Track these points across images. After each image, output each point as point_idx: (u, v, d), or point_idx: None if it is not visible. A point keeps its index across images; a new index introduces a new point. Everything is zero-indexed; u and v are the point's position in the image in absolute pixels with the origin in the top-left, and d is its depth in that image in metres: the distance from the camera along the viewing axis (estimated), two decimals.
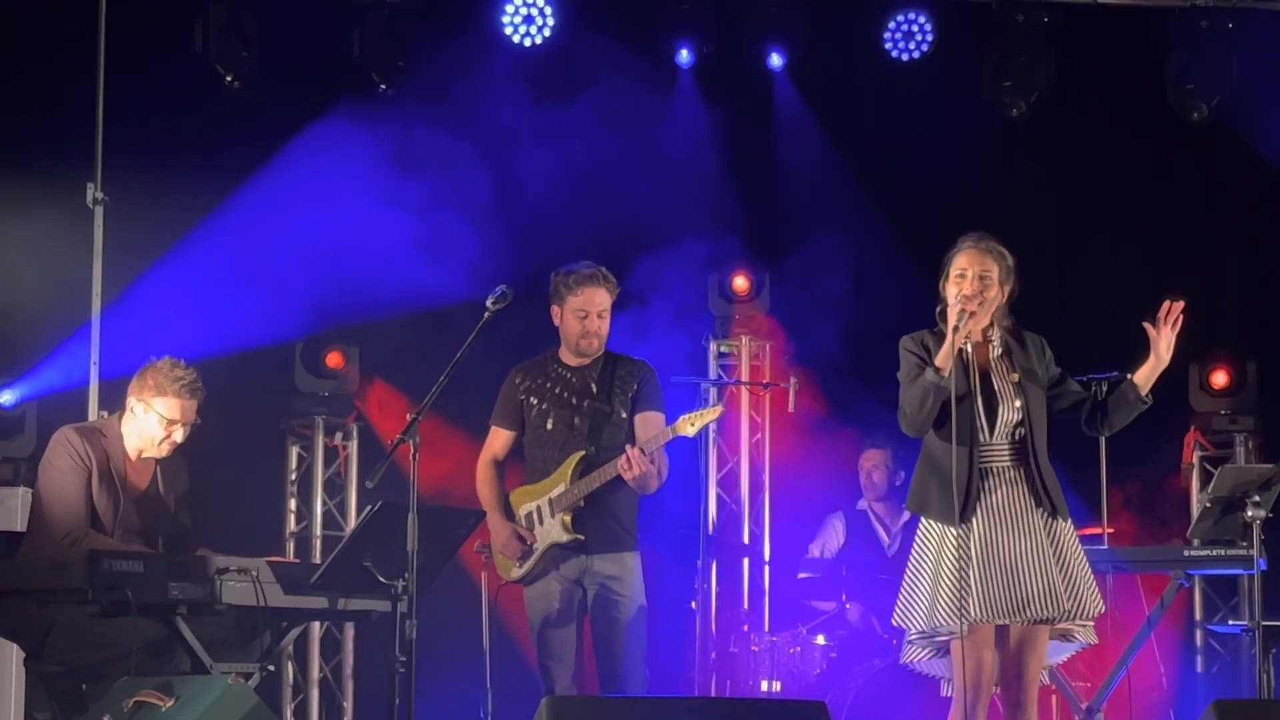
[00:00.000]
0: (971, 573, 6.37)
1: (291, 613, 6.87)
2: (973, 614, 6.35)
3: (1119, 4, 10.50)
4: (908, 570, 6.59)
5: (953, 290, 6.50)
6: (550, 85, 10.20)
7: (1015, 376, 6.51)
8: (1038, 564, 6.41)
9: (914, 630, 6.55)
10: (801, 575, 9.57)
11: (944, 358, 6.39)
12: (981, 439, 6.46)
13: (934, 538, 6.51)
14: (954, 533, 6.41)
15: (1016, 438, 6.49)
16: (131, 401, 6.93)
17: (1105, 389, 8.20)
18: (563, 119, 10.03)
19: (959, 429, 6.42)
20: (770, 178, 10.66)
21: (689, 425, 7.06)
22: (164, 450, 6.96)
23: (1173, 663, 9.73)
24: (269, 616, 6.76)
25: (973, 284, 6.48)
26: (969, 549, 6.40)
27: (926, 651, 6.61)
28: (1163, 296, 10.59)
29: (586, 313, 7.22)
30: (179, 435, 6.94)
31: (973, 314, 6.43)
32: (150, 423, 6.90)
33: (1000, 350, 6.56)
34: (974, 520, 6.43)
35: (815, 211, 10.47)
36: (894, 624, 6.69)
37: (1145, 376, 6.58)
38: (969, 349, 6.51)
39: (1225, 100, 10.54)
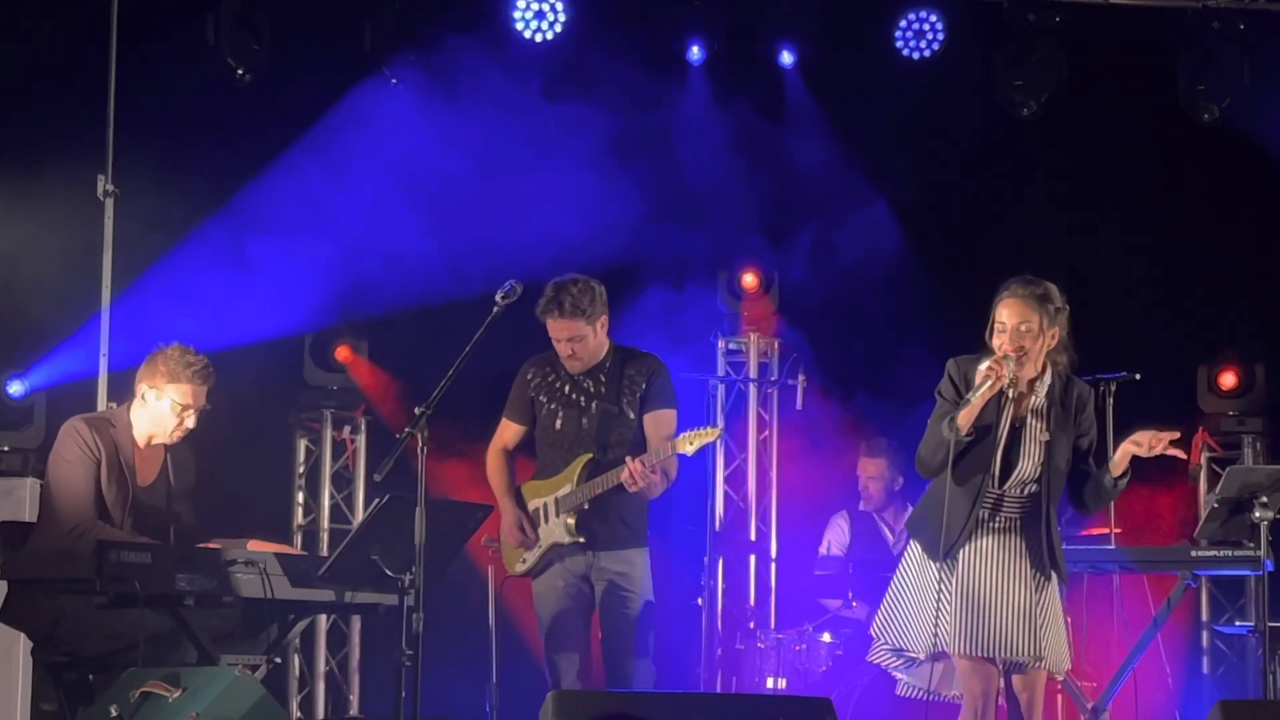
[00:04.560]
0: (949, 607, 6.37)
1: (299, 605, 6.88)
2: (944, 646, 6.37)
3: (1130, 4, 10.49)
4: (891, 585, 6.63)
5: (996, 342, 6.39)
6: (561, 81, 10.20)
7: (1045, 437, 6.42)
8: (1017, 608, 6.38)
9: (885, 642, 6.61)
10: (817, 573, 9.56)
11: (965, 418, 6.30)
12: (990, 485, 6.41)
13: (917, 561, 6.54)
14: (938, 564, 6.42)
15: (1026, 493, 6.45)
16: (143, 389, 6.93)
17: (1114, 388, 8.22)
18: (573, 115, 10.02)
19: (971, 471, 6.37)
20: (780, 175, 10.64)
21: (688, 444, 7.03)
22: (175, 437, 6.97)
23: (1179, 663, 9.72)
24: (276, 609, 6.76)
25: (1010, 339, 6.37)
26: (951, 583, 6.39)
27: (894, 660, 6.65)
28: (1173, 297, 10.67)
29: (558, 339, 7.23)
30: (191, 421, 6.95)
31: (1000, 378, 6.30)
32: (163, 409, 6.91)
33: (1042, 402, 6.44)
34: (960, 556, 6.41)
35: (825, 209, 10.47)
36: (870, 633, 6.72)
37: (1119, 461, 6.47)
38: (1009, 393, 6.40)
39: (1236, 101, 10.53)
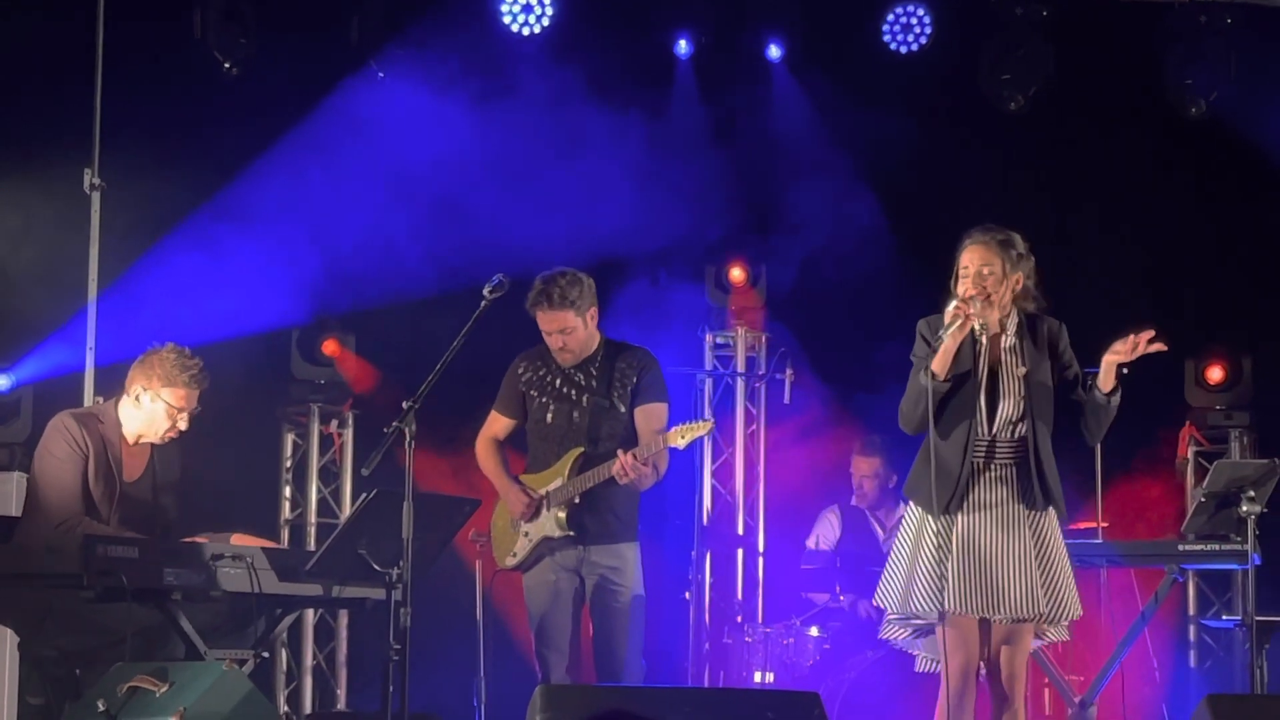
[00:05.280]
0: (950, 565, 6.38)
1: (286, 600, 6.87)
2: (947, 605, 6.37)
3: None
4: (891, 551, 6.63)
5: (960, 288, 6.46)
6: (548, 75, 10.19)
7: (1022, 371, 6.46)
8: (1019, 564, 6.38)
9: (891, 611, 6.60)
10: (804, 566, 9.56)
11: (940, 362, 6.35)
12: (980, 432, 6.43)
13: (915, 523, 6.53)
14: (936, 523, 6.42)
15: (1016, 434, 6.46)
16: (137, 389, 6.91)
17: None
18: (560, 109, 10.02)
19: (956, 420, 6.39)
20: (767, 169, 10.65)
21: (679, 438, 7.04)
22: (166, 439, 6.97)
23: (1166, 657, 9.73)
24: (264, 603, 6.75)
25: (974, 282, 6.44)
26: (949, 541, 6.40)
27: (904, 631, 6.65)
28: (1159, 291, 10.67)
29: (549, 332, 7.24)
30: (183, 424, 6.95)
31: (968, 316, 6.37)
32: (156, 411, 6.91)
33: (1013, 340, 6.50)
34: (959, 514, 6.42)
35: (812, 203, 10.46)
36: (874, 604, 6.73)
37: (1105, 376, 6.46)
38: (983, 339, 6.46)
39: (1223, 95, 10.55)
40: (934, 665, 6.78)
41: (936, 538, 6.42)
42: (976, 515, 6.42)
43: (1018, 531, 6.42)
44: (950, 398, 6.41)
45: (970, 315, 6.36)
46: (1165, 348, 6.46)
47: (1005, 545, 6.40)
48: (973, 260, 6.48)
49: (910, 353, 6.57)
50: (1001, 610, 6.38)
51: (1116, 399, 6.49)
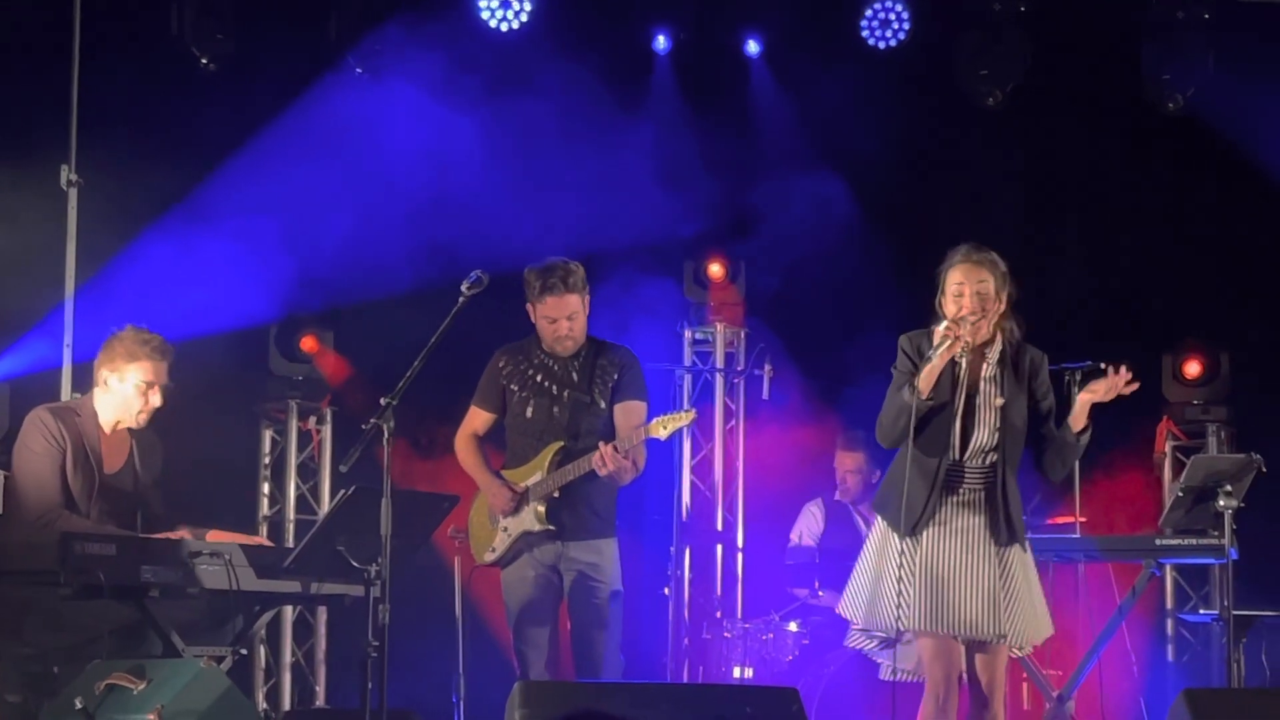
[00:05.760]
0: (912, 585, 6.37)
1: (264, 596, 6.86)
2: (906, 624, 6.37)
3: None
4: (857, 563, 6.63)
5: (951, 308, 6.40)
6: (526, 71, 10.18)
7: (1000, 401, 6.43)
8: (979, 586, 6.37)
9: (856, 621, 6.62)
10: (789, 562, 9.57)
11: (926, 380, 6.31)
12: (952, 457, 6.42)
13: (880, 537, 6.53)
14: (901, 541, 6.43)
15: (987, 463, 6.44)
16: (104, 374, 6.92)
17: (1078, 378, 8.23)
18: (538, 105, 10.01)
19: (929, 443, 6.37)
20: (746, 164, 10.65)
21: (661, 428, 7.04)
22: (142, 419, 6.96)
23: (1144, 651, 9.76)
24: (241, 600, 6.75)
25: (973, 301, 6.39)
26: (914, 560, 6.40)
27: (870, 642, 6.68)
28: (1136, 285, 10.69)
29: (555, 319, 7.23)
30: (156, 398, 6.93)
31: (958, 338, 6.32)
32: (127, 391, 6.91)
33: (994, 369, 6.46)
34: (924, 534, 6.41)
35: (791, 199, 10.47)
36: (837, 612, 6.74)
37: (1079, 414, 6.47)
38: (963, 363, 6.42)
39: (1201, 91, 10.56)
40: (899, 675, 6.81)
41: (900, 556, 6.42)
42: (942, 538, 6.41)
43: (982, 554, 6.41)
44: (927, 421, 6.39)
45: (961, 336, 6.33)
46: (1138, 385, 6.46)
47: (968, 568, 6.40)
48: (967, 278, 6.42)
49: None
50: (961, 631, 6.39)
51: (1086, 438, 6.50)
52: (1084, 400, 6.44)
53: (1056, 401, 6.58)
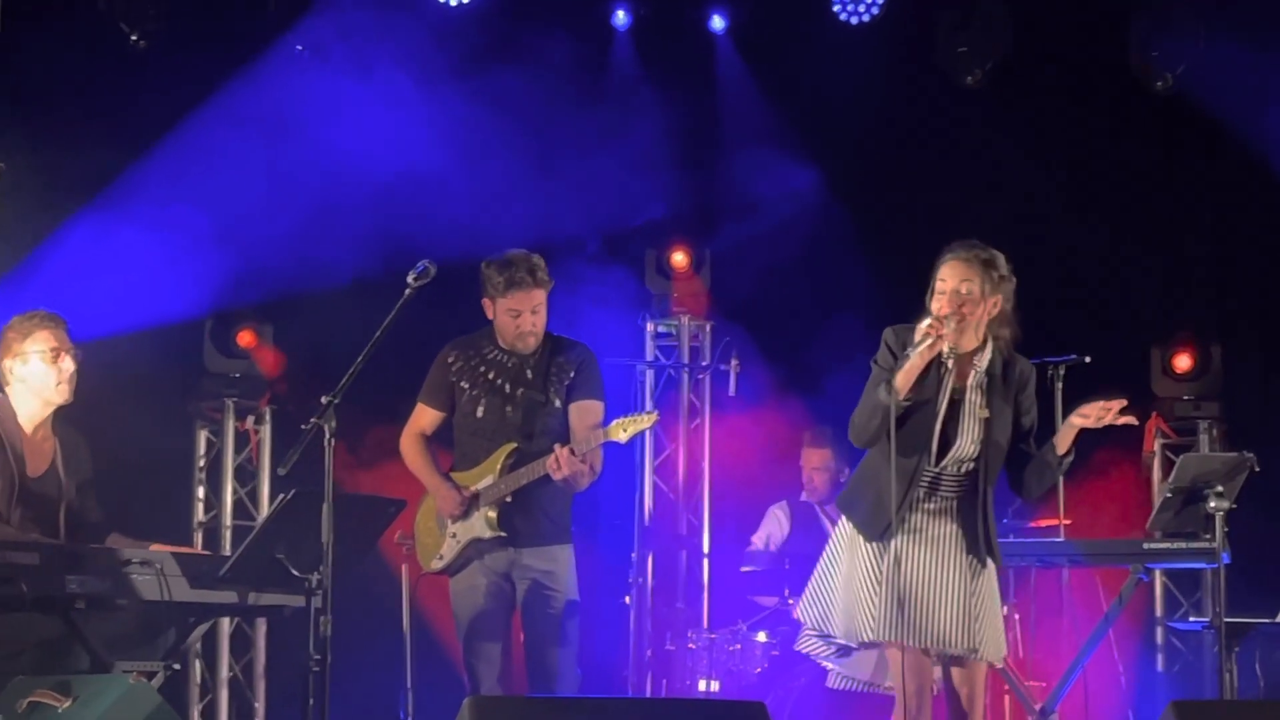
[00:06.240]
0: (881, 593, 6.36)
1: (199, 608, 6.84)
2: (874, 635, 6.37)
3: None
4: (819, 565, 6.61)
5: (934, 305, 6.37)
6: (481, 47, 10.17)
7: (985, 413, 6.41)
8: (952, 597, 6.37)
9: (811, 626, 6.61)
10: (744, 569, 9.57)
11: (903, 380, 6.27)
12: (928, 462, 6.41)
13: (847, 541, 6.51)
14: (868, 546, 6.43)
15: (964, 471, 6.43)
16: (7, 365, 6.89)
17: (1063, 372, 8.25)
18: (492, 84, 10.00)
19: (907, 447, 6.34)
20: (711, 146, 10.66)
21: (621, 431, 7.02)
22: (65, 392, 6.90)
23: (1131, 661, 9.80)
24: (174, 612, 6.74)
25: (950, 300, 6.36)
26: (882, 568, 6.39)
27: (825, 648, 6.66)
28: (1124, 275, 10.72)
29: (519, 312, 7.21)
30: (68, 363, 6.88)
31: (940, 337, 6.29)
32: (36, 370, 6.87)
33: (982, 378, 6.43)
34: (894, 541, 6.38)
35: (759, 183, 10.48)
36: (794, 616, 6.73)
37: (1064, 438, 6.45)
38: (950, 364, 6.39)
39: (1190, 69, 10.58)
40: (849, 684, 6.80)
41: (868, 562, 6.42)
42: (913, 545, 6.41)
43: (954, 564, 6.41)
44: (905, 421, 6.36)
45: (942, 336, 6.30)
46: (1135, 421, 6.48)
47: (940, 578, 6.40)
48: (951, 276, 6.38)
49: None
50: (933, 643, 6.39)
51: (1069, 462, 6.49)
52: (1071, 425, 6.43)
53: (1037, 397, 6.58)
